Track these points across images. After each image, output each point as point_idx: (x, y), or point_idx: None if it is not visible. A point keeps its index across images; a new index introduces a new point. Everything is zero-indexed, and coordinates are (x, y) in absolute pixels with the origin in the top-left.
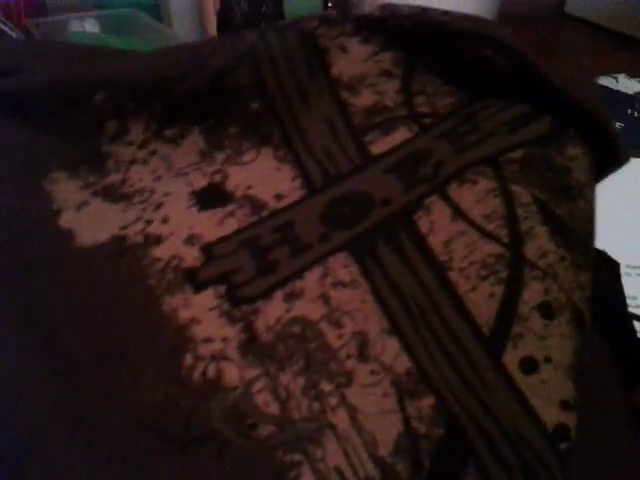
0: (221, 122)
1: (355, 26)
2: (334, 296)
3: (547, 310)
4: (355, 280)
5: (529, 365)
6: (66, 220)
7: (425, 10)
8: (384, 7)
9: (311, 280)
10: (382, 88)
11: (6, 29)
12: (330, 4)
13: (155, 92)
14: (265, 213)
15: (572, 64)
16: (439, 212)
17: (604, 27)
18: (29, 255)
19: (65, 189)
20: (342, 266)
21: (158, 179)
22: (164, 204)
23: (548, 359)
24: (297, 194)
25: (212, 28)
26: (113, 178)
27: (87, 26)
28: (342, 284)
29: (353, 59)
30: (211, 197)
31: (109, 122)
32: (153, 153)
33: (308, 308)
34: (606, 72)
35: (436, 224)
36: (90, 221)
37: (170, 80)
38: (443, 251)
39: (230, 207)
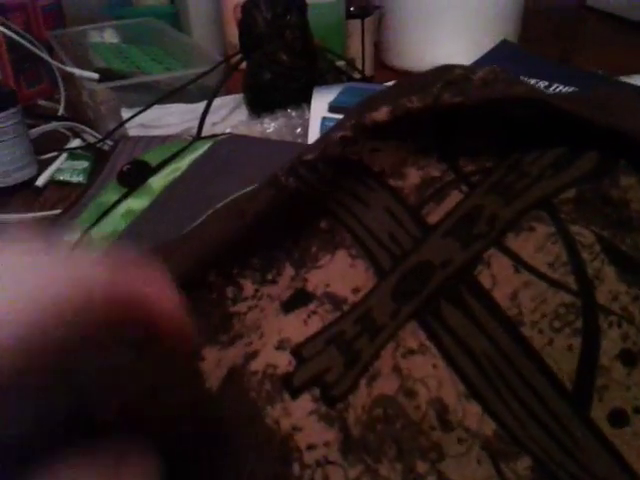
0: (303, 247)
1: (373, 133)
2: (405, 366)
3: (628, 357)
4: (423, 345)
5: (618, 418)
6: (210, 382)
7: (437, 98)
8: (392, 108)
9: (385, 357)
10: (423, 163)
11: (26, 43)
12: (352, 8)
13: (239, 252)
14: (345, 307)
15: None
16: (499, 265)
17: (626, 19)
18: None
19: (210, 360)
20: (410, 334)
21: (263, 313)
22: (260, 323)
23: (637, 409)
24: (371, 283)
25: (232, 36)
26: (237, 330)
27: (106, 36)
28: (411, 351)
29: (386, 153)
30: (294, 300)
31: (227, 288)
32: (261, 297)
33: (384, 384)
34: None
35: (498, 277)
36: (217, 366)
37: (254, 238)
38: (510, 305)
39: (312, 306)
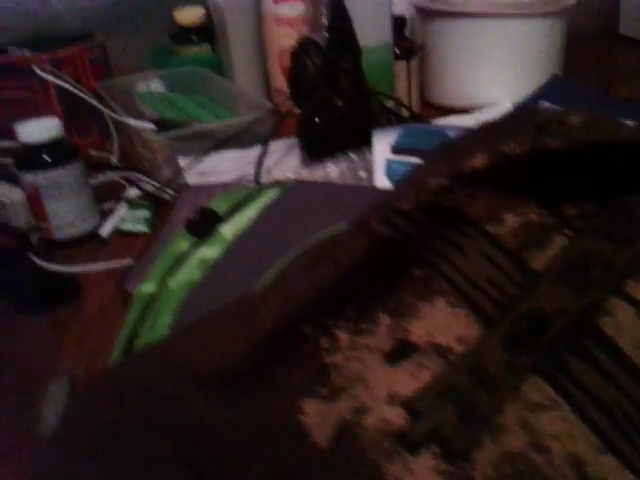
0: (397, 296)
1: (469, 180)
2: (532, 420)
3: None
4: (552, 400)
5: None
6: (316, 437)
7: (535, 142)
8: (490, 154)
9: (510, 412)
10: (521, 209)
11: (80, 94)
12: (397, 50)
13: (333, 303)
14: (452, 357)
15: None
16: (624, 314)
17: None
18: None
19: (309, 412)
20: (535, 389)
21: (364, 364)
22: (364, 375)
23: None
24: (476, 332)
25: (277, 82)
26: (336, 383)
27: (152, 86)
28: (539, 407)
29: (481, 199)
30: (399, 352)
31: (322, 339)
32: (359, 348)
33: (511, 440)
34: None
35: (623, 326)
36: (323, 421)
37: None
38: (637, 353)
39: (418, 357)
